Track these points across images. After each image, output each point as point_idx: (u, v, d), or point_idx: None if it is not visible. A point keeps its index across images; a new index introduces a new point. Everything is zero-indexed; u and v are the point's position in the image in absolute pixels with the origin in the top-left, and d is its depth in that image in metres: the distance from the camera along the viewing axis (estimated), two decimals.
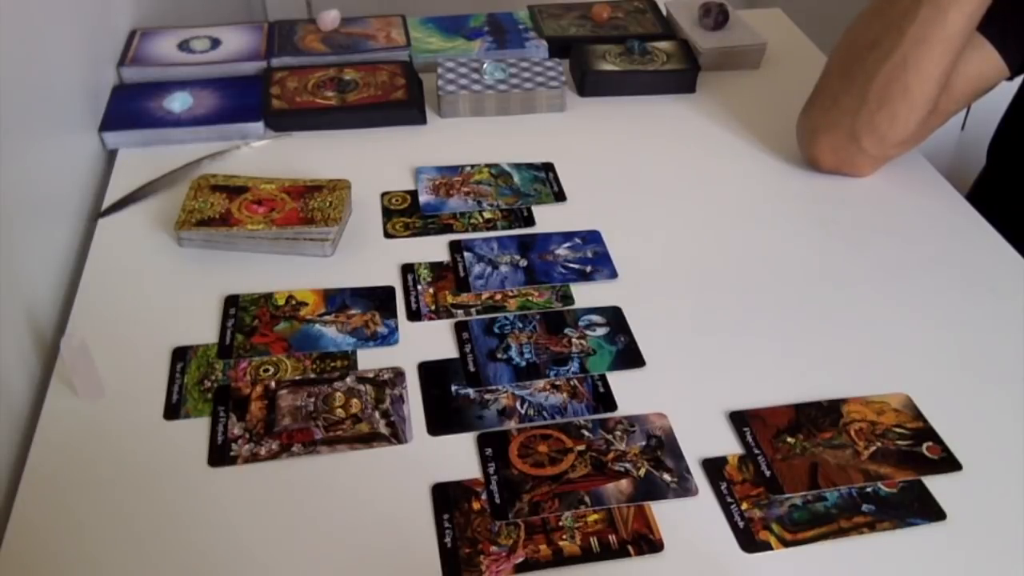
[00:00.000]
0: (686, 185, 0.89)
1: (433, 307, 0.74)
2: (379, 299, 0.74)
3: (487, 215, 0.84)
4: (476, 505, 0.58)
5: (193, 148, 0.91)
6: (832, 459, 0.61)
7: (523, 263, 0.78)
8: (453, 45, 1.08)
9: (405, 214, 0.84)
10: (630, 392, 0.66)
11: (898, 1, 0.80)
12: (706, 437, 0.63)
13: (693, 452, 0.62)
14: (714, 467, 0.61)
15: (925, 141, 0.87)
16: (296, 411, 0.64)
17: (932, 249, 0.81)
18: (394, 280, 0.76)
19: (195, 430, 0.63)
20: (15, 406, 0.64)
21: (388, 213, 0.84)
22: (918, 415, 0.65)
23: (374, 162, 0.90)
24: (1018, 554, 0.56)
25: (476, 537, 0.56)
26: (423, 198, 0.85)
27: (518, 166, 0.90)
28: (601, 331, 0.71)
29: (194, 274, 0.76)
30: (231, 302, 0.73)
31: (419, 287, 0.76)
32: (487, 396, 0.66)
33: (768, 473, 0.60)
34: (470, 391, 0.66)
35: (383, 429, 0.63)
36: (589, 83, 1.02)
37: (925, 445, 0.63)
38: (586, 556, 0.55)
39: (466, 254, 0.79)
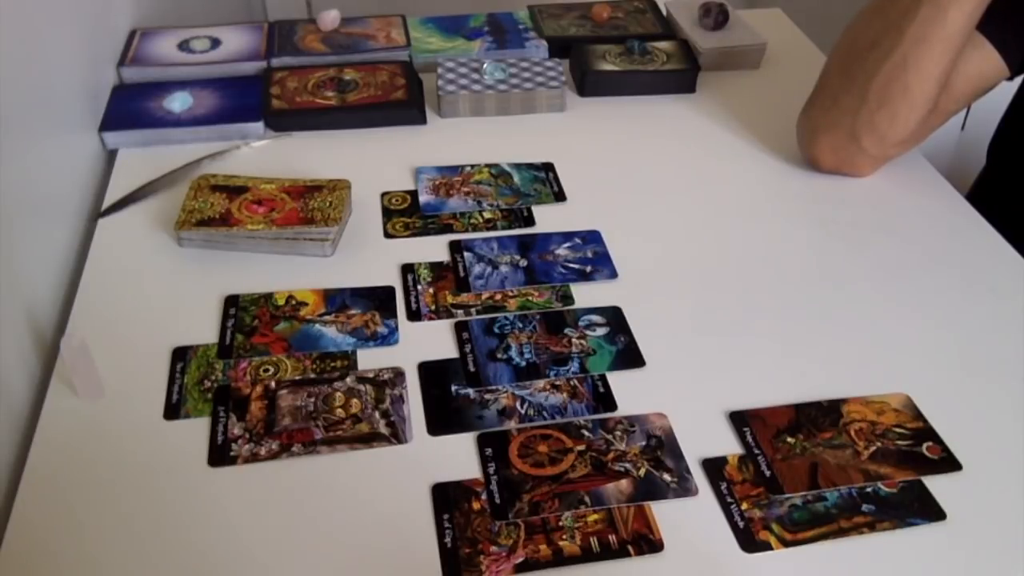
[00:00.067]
0: (686, 185, 0.89)
1: (433, 307, 0.74)
2: (379, 299, 0.74)
3: (487, 215, 0.84)
4: (476, 505, 0.58)
5: (193, 148, 0.91)
6: (832, 459, 0.61)
7: (523, 263, 0.78)
8: (453, 45, 1.08)
9: (405, 214, 0.84)
10: (630, 392, 0.66)
11: (898, 0, 0.80)
12: (706, 437, 0.63)
13: (693, 452, 0.62)
14: (714, 467, 0.61)
15: (925, 141, 0.87)
16: (296, 411, 0.64)
17: (932, 249, 0.81)
18: (394, 280, 0.76)
19: (195, 430, 0.63)
20: (15, 406, 0.64)
21: (388, 213, 0.84)
22: (918, 415, 0.65)
23: (374, 162, 0.90)
24: (1018, 554, 0.56)
25: (476, 537, 0.56)
26: (423, 198, 0.85)
27: (518, 166, 0.90)
28: (601, 331, 0.71)
29: (194, 274, 0.76)
30: (231, 302, 0.73)
31: (419, 287, 0.76)
32: (487, 396, 0.66)
33: (768, 473, 0.60)
34: (470, 391, 0.66)
35: (383, 429, 0.63)
36: (589, 83, 1.02)
37: (925, 445, 0.63)
38: (586, 556, 0.55)
39: (466, 254, 0.79)
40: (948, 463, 0.62)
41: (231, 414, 0.64)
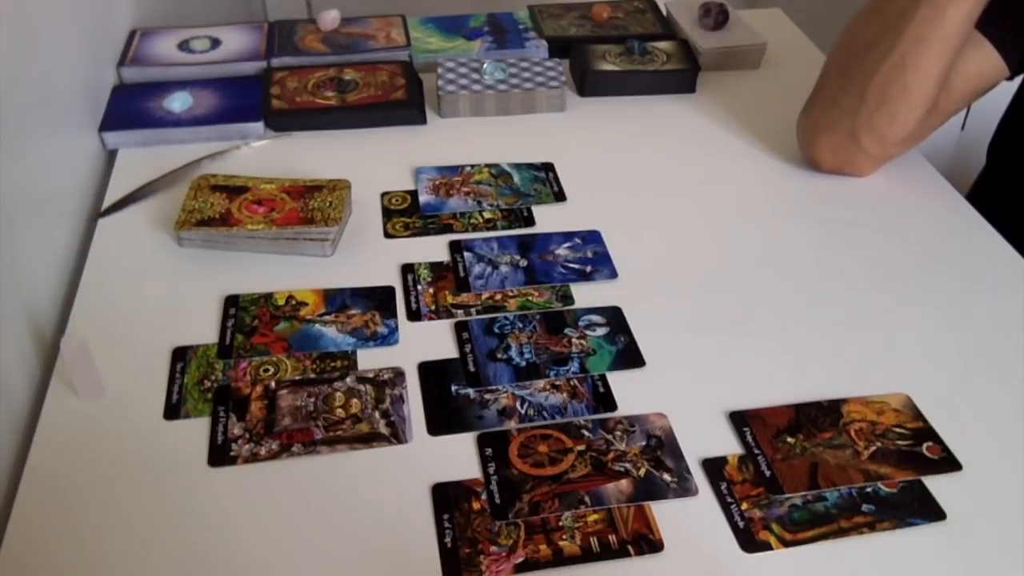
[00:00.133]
0: (686, 185, 0.89)
1: (433, 307, 0.74)
2: (379, 299, 0.74)
3: (487, 215, 0.84)
4: (476, 505, 0.58)
5: (193, 148, 0.91)
6: (832, 459, 0.61)
7: (523, 263, 0.78)
8: (453, 45, 1.08)
9: (405, 214, 0.84)
10: (630, 392, 0.66)
11: (896, 0, 0.80)
12: (706, 437, 0.63)
13: (693, 452, 0.62)
14: (714, 467, 0.61)
15: (925, 141, 0.87)
16: (296, 411, 0.64)
17: (932, 249, 0.81)
18: (394, 280, 0.76)
19: (195, 430, 0.63)
20: (15, 406, 0.64)
21: (388, 213, 0.84)
22: (918, 415, 0.65)
23: (374, 162, 0.90)
24: (1018, 554, 0.56)
25: (476, 537, 0.56)
26: (423, 198, 0.85)
27: (518, 166, 0.90)
28: (601, 331, 0.71)
29: (194, 274, 0.76)
30: (231, 302, 0.73)
31: (419, 287, 0.76)
32: (487, 396, 0.66)
33: (768, 473, 0.60)
34: (470, 391, 0.66)
35: (383, 429, 0.63)
36: (589, 83, 1.02)
37: (925, 445, 0.63)
38: (586, 556, 0.55)
39: (466, 254, 0.79)
40: (948, 463, 0.62)
41: (231, 414, 0.64)
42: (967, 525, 0.58)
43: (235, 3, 1.79)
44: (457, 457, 0.61)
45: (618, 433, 0.63)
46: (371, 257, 0.79)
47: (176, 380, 0.66)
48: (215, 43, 1.04)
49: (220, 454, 0.61)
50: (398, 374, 0.67)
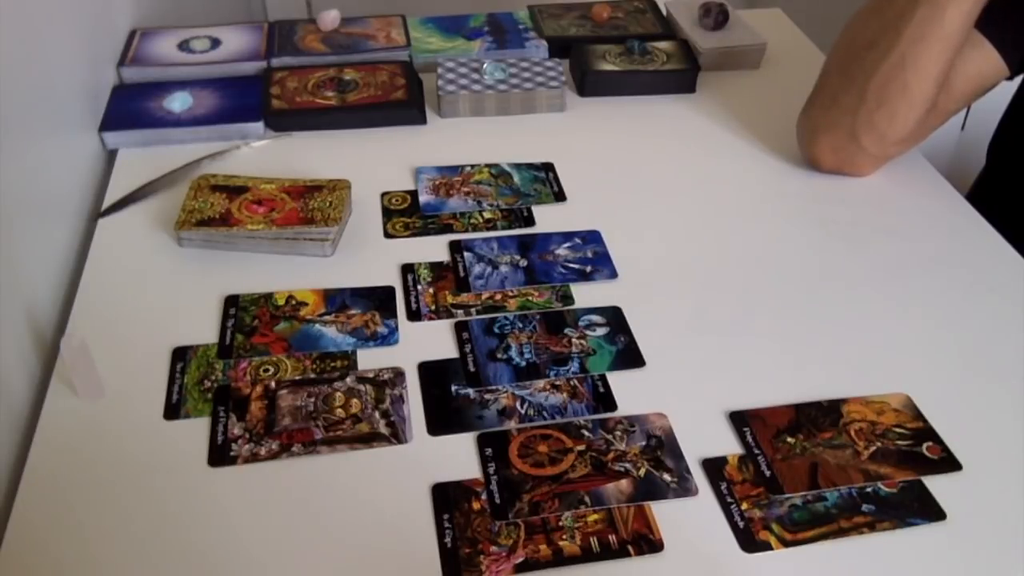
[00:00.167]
0: (686, 185, 0.89)
1: (433, 307, 0.74)
2: (379, 299, 0.74)
3: (487, 215, 0.84)
4: (476, 505, 0.58)
5: (193, 148, 0.91)
6: (832, 459, 0.61)
7: (523, 263, 0.78)
8: (453, 45, 1.08)
9: (405, 214, 0.84)
10: (630, 392, 0.66)
11: (896, 0, 0.80)
12: (706, 437, 0.63)
13: (693, 452, 0.62)
14: (714, 467, 0.61)
15: (925, 141, 0.87)
16: (296, 411, 0.64)
17: (932, 249, 0.81)
18: (394, 280, 0.76)
19: (195, 430, 0.63)
20: (15, 406, 0.64)
21: (388, 213, 0.84)
22: (918, 415, 0.65)
23: (374, 162, 0.90)
24: (1018, 554, 0.56)
25: (476, 537, 0.56)
26: (423, 198, 0.85)
27: (518, 166, 0.90)
28: (601, 331, 0.71)
29: (194, 274, 0.76)
30: (231, 302, 0.73)
31: (419, 287, 0.76)
32: (487, 396, 0.66)
33: (768, 473, 0.60)
34: (470, 391, 0.66)
35: (383, 429, 0.63)
36: (589, 83, 1.02)
37: (925, 445, 0.63)
38: (586, 556, 0.55)
39: (466, 254, 0.79)
40: (948, 463, 0.62)
41: (231, 414, 0.64)
42: (967, 525, 0.58)
43: (235, 3, 1.79)
44: (457, 457, 0.61)
45: (618, 433, 0.63)
46: (371, 257, 0.79)
47: (176, 380, 0.66)
48: (215, 43, 1.04)
49: (220, 454, 0.61)
50: (398, 374, 0.67)
